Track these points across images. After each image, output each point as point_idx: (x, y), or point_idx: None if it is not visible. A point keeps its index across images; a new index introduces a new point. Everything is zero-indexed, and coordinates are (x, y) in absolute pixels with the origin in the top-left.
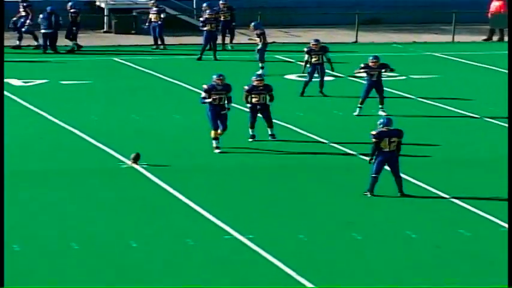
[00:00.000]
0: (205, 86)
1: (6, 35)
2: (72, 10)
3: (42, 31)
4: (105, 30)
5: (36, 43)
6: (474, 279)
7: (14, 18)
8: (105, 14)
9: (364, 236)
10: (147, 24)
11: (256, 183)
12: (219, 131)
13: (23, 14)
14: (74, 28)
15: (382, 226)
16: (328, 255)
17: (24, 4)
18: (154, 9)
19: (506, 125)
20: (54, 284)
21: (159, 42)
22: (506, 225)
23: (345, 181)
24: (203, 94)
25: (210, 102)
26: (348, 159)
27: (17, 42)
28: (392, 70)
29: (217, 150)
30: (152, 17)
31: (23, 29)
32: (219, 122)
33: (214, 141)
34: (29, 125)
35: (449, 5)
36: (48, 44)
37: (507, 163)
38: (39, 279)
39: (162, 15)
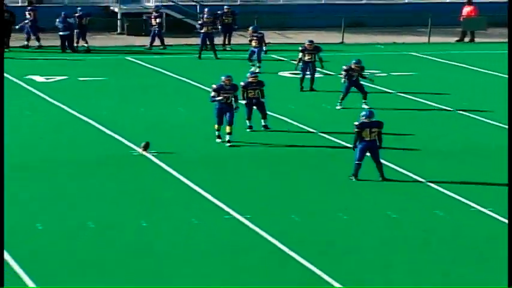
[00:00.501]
0: (214, 86)
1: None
2: (78, 15)
3: (60, 33)
4: (118, 32)
5: (37, 43)
6: (445, 252)
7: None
8: (119, 17)
9: (350, 216)
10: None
11: (253, 169)
12: (227, 129)
13: (28, 16)
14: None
15: (365, 207)
16: (317, 233)
17: (29, 8)
18: (155, 14)
19: (477, 117)
20: (74, 258)
21: (159, 43)
22: (476, 206)
23: (332, 167)
24: (213, 93)
25: (219, 101)
26: (334, 146)
27: (25, 43)
28: (371, 80)
29: (218, 140)
30: (153, 20)
31: (25, 30)
32: (224, 118)
33: (216, 132)
34: (50, 117)
35: (425, 9)
36: (66, 44)
37: (506, 162)
38: (60, 254)
39: (157, 20)
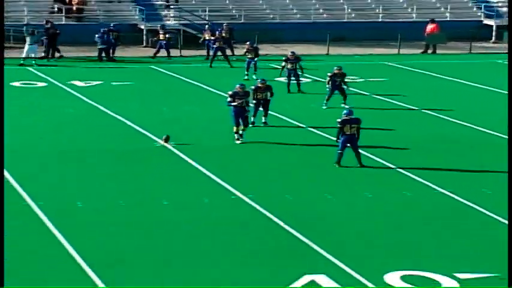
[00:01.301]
0: (230, 93)
1: (70, 48)
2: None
3: (99, 47)
4: (144, 45)
5: (58, 54)
6: (411, 223)
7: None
8: (144, 33)
9: (333, 196)
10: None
11: (254, 157)
12: (240, 128)
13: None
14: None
15: (346, 188)
16: (307, 210)
17: (48, 26)
18: (161, 31)
19: (438, 115)
20: (108, 230)
21: (166, 54)
22: (438, 188)
23: (319, 156)
24: (229, 99)
25: (234, 105)
26: (321, 139)
27: (24, 55)
28: (346, 84)
29: (238, 141)
30: (160, 36)
31: (44, 43)
32: (240, 120)
33: (236, 135)
34: (88, 114)
35: (395, 27)
36: (104, 55)
37: (506, 162)
38: (96, 226)
39: (166, 35)
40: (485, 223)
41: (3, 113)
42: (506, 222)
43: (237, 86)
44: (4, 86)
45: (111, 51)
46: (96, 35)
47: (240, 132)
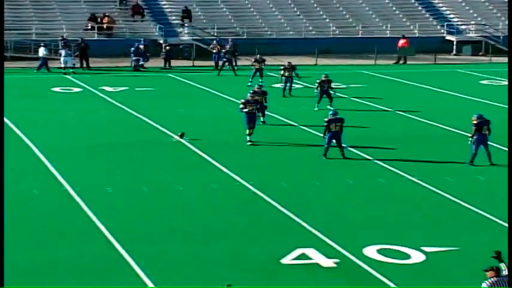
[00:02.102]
0: (242, 100)
1: (101, 59)
2: (142, 46)
3: (133, 58)
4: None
5: (78, 65)
6: (384, 203)
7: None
8: (163, 47)
9: (321, 182)
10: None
11: (255, 150)
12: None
13: (63, 46)
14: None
15: (331, 176)
16: (298, 194)
17: (62, 43)
18: (165, 44)
19: (409, 115)
20: (134, 210)
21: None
22: (408, 176)
23: (309, 149)
24: (241, 106)
25: (246, 111)
26: (310, 135)
27: (62, 65)
28: (332, 89)
29: (249, 143)
30: (166, 48)
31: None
32: (251, 124)
33: (248, 137)
34: (115, 114)
35: (373, 41)
36: (137, 64)
37: (507, 162)
38: (125, 208)
39: (167, 48)
40: (446, 205)
41: (3, 113)
42: (464, 203)
43: (249, 94)
44: (46, 91)
45: (143, 61)
46: (132, 48)
47: (249, 137)
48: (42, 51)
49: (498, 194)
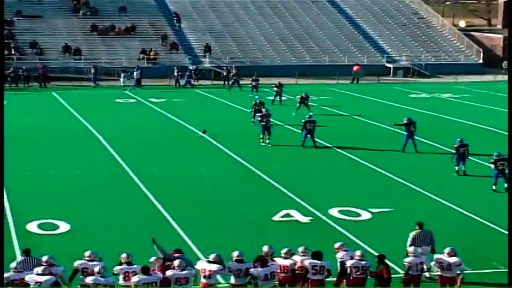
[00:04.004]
0: (259, 114)
1: (149, 80)
2: (193, 70)
3: (186, 79)
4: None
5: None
6: (345, 180)
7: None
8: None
9: (300, 163)
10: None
11: (256, 143)
12: (266, 137)
13: (92, 71)
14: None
15: (307, 161)
16: (285, 175)
17: (93, 70)
18: (176, 69)
19: (362, 119)
20: (173, 186)
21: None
22: (364, 162)
23: (291, 142)
24: (259, 119)
25: (263, 124)
26: (292, 133)
27: (93, 84)
28: (308, 101)
29: (263, 144)
30: (174, 72)
31: (93, 79)
32: (266, 131)
33: (261, 140)
34: (156, 118)
35: (335, 67)
36: (188, 82)
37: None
38: (169, 186)
39: (179, 73)
40: (386, 180)
41: (3, 113)
42: (398, 178)
43: (263, 110)
44: (110, 102)
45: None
46: (186, 73)
47: (267, 140)
48: (122, 76)
49: (422, 172)
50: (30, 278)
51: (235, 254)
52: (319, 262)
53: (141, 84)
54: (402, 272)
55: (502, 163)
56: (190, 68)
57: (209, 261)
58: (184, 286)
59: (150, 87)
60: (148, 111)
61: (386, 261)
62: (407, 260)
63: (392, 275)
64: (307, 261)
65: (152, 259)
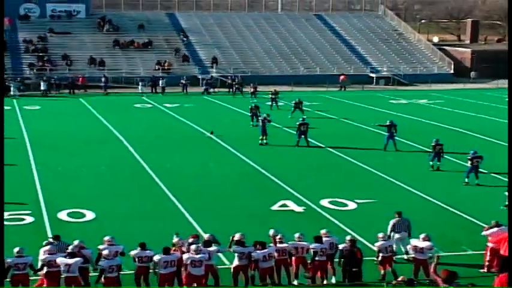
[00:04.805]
0: (261, 118)
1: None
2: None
3: (204, 87)
4: (202, 86)
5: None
6: (335, 175)
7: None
8: (200, 80)
9: (296, 161)
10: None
11: (256, 142)
12: (264, 137)
13: (103, 80)
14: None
15: (301, 157)
16: (281, 167)
17: (103, 79)
18: (185, 79)
19: (347, 121)
20: (184, 180)
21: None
22: (352, 160)
23: (287, 141)
24: (261, 123)
25: (262, 125)
26: (288, 134)
27: (103, 91)
28: (302, 105)
29: (260, 144)
30: (182, 81)
31: (104, 86)
32: (264, 134)
33: (260, 141)
34: (168, 119)
35: (325, 76)
36: (206, 90)
37: (508, 162)
38: (179, 179)
39: (187, 81)
40: (369, 175)
41: (3, 114)
42: (381, 174)
43: (264, 114)
44: (130, 107)
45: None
46: (204, 81)
47: (265, 141)
48: (140, 84)
49: (401, 168)
50: (60, 260)
51: (237, 235)
52: (321, 245)
53: (157, 91)
54: (380, 254)
55: (477, 160)
56: (207, 77)
57: (205, 243)
58: (198, 267)
59: (165, 94)
60: (163, 114)
61: (367, 244)
62: (377, 244)
63: (371, 257)
64: (312, 245)
65: (175, 240)
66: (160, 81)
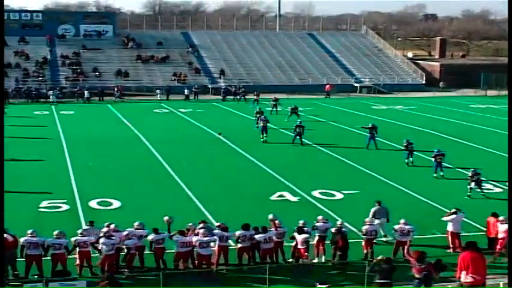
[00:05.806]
0: (262, 118)
1: (177, 96)
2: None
3: (222, 94)
4: (211, 93)
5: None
6: (324, 169)
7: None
8: (210, 89)
9: (293, 158)
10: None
11: (258, 141)
12: (264, 135)
13: (116, 89)
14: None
15: (296, 154)
16: (281, 164)
17: (116, 88)
18: (195, 88)
19: (333, 123)
20: (196, 175)
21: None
22: (340, 157)
23: (284, 140)
24: (261, 123)
25: (262, 125)
26: (285, 134)
27: (115, 99)
28: (297, 110)
29: (262, 140)
30: (185, 91)
31: (117, 95)
32: (264, 132)
33: (261, 139)
34: (182, 123)
35: (314, 85)
36: (224, 97)
37: (507, 163)
38: (194, 175)
39: (195, 90)
40: (352, 170)
41: (3, 115)
42: (363, 168)
43: (262, 116)
44: (150, 112)
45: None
46: (222, 90)
47: (265, 139)
48: (158, 92)
49: (381, 164)
50: (105, 241)
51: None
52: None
53: (189, 99)
54: (364, 237)
55: (439, 157)
56: (227, 86)
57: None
58: (206, 248)
59: (179, 101)
60: (178, 118)
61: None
62: (364, 227)
63: (355, 239)
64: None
65: (189, 225)
66: (186, 90)
